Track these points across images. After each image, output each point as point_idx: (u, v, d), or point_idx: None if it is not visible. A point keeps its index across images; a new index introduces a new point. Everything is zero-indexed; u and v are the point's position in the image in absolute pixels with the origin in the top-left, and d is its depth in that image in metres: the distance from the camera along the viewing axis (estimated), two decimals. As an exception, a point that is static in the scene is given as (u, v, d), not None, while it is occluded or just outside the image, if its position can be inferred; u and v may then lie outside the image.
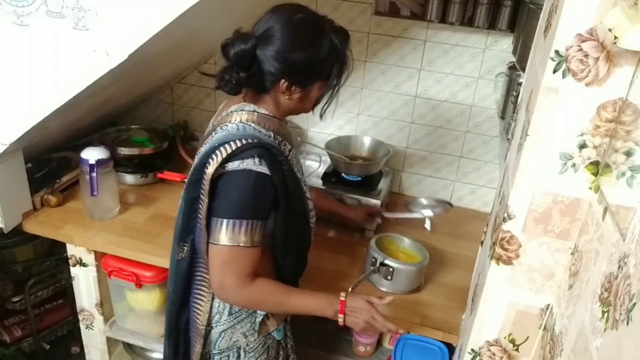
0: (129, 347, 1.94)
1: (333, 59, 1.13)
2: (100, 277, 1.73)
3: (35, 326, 2.00)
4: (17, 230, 1.70)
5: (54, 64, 1.38)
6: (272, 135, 1.15)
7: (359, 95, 2.01)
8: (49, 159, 1.94)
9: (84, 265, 1.72)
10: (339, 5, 1.88)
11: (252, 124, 1.13)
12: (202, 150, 1.16)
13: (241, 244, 1.08)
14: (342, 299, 1.17)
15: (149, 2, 1.26)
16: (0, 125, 1.48)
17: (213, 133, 1.17)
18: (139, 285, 1.65)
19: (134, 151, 1.98)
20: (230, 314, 1.22)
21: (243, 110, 1.15)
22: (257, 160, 1.07)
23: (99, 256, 1.69)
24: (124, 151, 1.95)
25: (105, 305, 1.80)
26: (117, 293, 1.76)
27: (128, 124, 2.20)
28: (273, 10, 1.11)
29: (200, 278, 1.21)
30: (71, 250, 1.71)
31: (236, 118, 1.14)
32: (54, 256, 1.99)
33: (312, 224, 1.27)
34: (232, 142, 1.08)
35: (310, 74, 1.14)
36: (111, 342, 1.90)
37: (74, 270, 1.75)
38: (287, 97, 1.14)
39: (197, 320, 1.22)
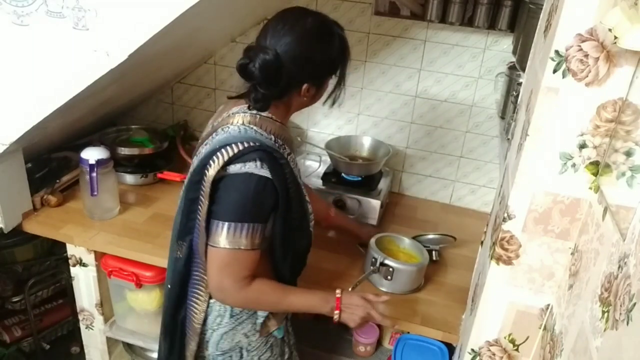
0: (129, 347, 1.94)
1: (342, 52, 1.17)
2: (100, 277, 1.73)
3: (35, 326, 2.00)
4: (17, 230, 1.70)
5: (54, 64, 1.38)
6: (273, 138, 1.15)
7: (359, 95, 2.01)
8: (49, 159, 1.94)
9: (84, 265, 1.72)
10: (339, 5, 1.88)
11: (254, 127, 1.13)
12: (203, 151, 1.16)
13: (242, 247, 1.08)
14: (338, 295, 1.20)
15: (149, 2, 1.26)
16: (0, 125, 1.48)
17: (214, 134, 1.17)
18: (139, 285, 1.65)
19: (134, 151, 1.98)
20: (231, 316, 1.23)
21: (245, 112, 1.15)
22: (258, 163, 1.07)
23: (99, 256, 1.69)
24: (124, 151, 1.95)
25: (105, 305, 1.80)
26: (117, 293, 1.76)
27: (128, 124, 2.20)
28: (280, 19, 1.12)
29: (197, 278, 1.21)
30: (71, 250, 1.71)
31: (238, 120, 1.14)
32: (54, 256, 1.99)
33: (311, 228, 1.27)
34: (233, 145, 1.08)
35: (326, 72, 1.18)
36: (111, 342, 1.90)
37: (74, 270, 1.75)
38: (304, 98, 1.17)
39: (194, 319, 1.23)
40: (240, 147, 1.07)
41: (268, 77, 1.08)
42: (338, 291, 1.21)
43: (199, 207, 1.12)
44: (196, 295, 1.22)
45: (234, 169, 1.07)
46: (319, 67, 1.15)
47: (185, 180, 1.18)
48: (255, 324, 1.25)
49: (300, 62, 1.10)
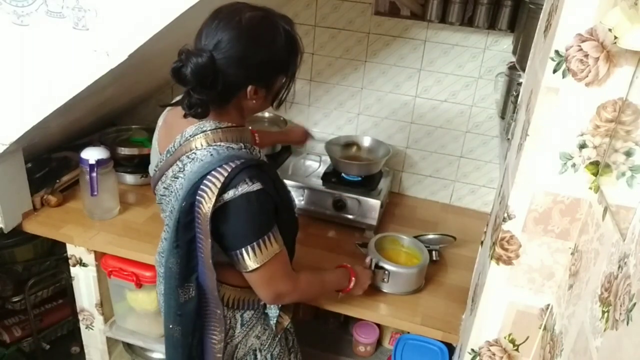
0: (129, 347, 1.94)
1: (290, 49, 1.08)
2: (100, 277, 1.73)
3: (35, 326, 2.00)
4: (17, 230, 1.70)
5: (54, 64, 1.38)
6: (242, 145, 1.11)
7: (359, 95, 2.01)
8: (49, 159, 1.94)
9: (84, 265, 1.72)
10: (339, 5, 1.88)
11: (222, 143, 1.07)
12: (177, 186, 1.10)
13: (276, 253, 1.09)
14: (349, 266, 1.38)
15: (149, 2, 1.26)
16: (0, 125, 1.48)
17: (178, 163, 1.10)
18: (139, 285, 1.65)
19: (134, 151, 1.98)
20: (242, 325, 1.23)
21: (204, 131, 1.08)
22: (249, 182, 1.03)
23: (99, 256, 1.69)
24: (124, 151, 1.95)
25: (105, 305, 1.80)
26: (117, 293, 1.76)
27: (128, 124, 2.19)
28: (216, 16, 1.03)
29: (210, 313, 1.18)
30: (71, 250, 1.71)
31: (201, 142, 1.07)
32: (54, 256, 1.99)
33: (296, 214, 1.28)
34: (215, 173, 1.02)
35: (274, 71, 1.08)
36: (111, 342, 1.90)
37: (74, 270, 1.75)
38: (253, 101, 1.08)
39: (215, 349, 1.21)
40: (225, 174, 1.01)
41: (202, 81, 0.99)
42: (348, 265, 1.38)
43: (200, 245, 1.08)
44: (213, 329, 1.19)
45: (228, 196, 1.03)
46: (262, 68, 1.05)
47: (171, 224, 1.10)
48: (264, 325, 1.26)
49: (238, 63, 1.01)
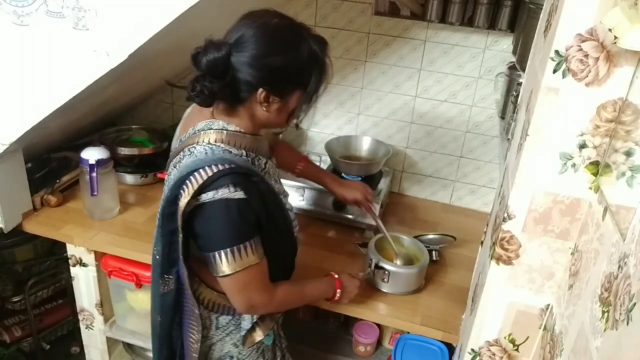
0: (129, 347, 1.94)
1: (312, 66, 1.07)
2: (100, 277, 1.73)
3: (35, 326, 2.00)
4: (17, 230, 1.70)
5: (54, 64, 1.38)
6: (245, 153, 1.10)
7: (359, 95, 2.01)
8: (49, 159, 1.94)
9: (84, 265, 1.72)
10: (339, 5, 1.88)
11: (222, 145, 1.07)
12: (172, 177, 1.10)
13: (252, 264, 1.07)
14: (337, 276, 1.33)
15: (149, 2, 1.26)
16: (0, 125, 1.48)
17: (180, 154, 1.11)
18: (139, 285, 1.65)
19: (134, 151, 1.98)
20: (217, 327, 1.22)
21: (211, 129, 1.08)
22: (231, 188, 1.02)
23: (99, 256, 1.69)
24: (124, 151, 1.95)
25: (105, 305, 1.80)
26: (117, 293, 1.76)
27: (128, 124, 2.20)
28: (246, 16, 1.05)
29: (188, 310, 1.18)
30: (71, 250, 1.71)
31: (204, 139, 1.08)
32: (54, 256, 1.99)
33: (296, 233, 1.26)
34: (201, 171, 1.01)
35: (289, 82, 1.07)
36: (111, 342, 1.90)
37: (74, 270, 1.75)
38: (264, 108, 1.07)
39: (191, 348, 1.21)
40: (210, 173, 1.01)
41: (213, 72, 1.01)
42: (335, 275, 1.34)
43: (178, 238, 1.08)
44: (191, 327, 1.19)
45: (207, 197, 1.02)
46: (276, 73, 1.04)
47: (160, 211, 1.11)
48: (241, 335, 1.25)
49: (253, 61, 1.01)
